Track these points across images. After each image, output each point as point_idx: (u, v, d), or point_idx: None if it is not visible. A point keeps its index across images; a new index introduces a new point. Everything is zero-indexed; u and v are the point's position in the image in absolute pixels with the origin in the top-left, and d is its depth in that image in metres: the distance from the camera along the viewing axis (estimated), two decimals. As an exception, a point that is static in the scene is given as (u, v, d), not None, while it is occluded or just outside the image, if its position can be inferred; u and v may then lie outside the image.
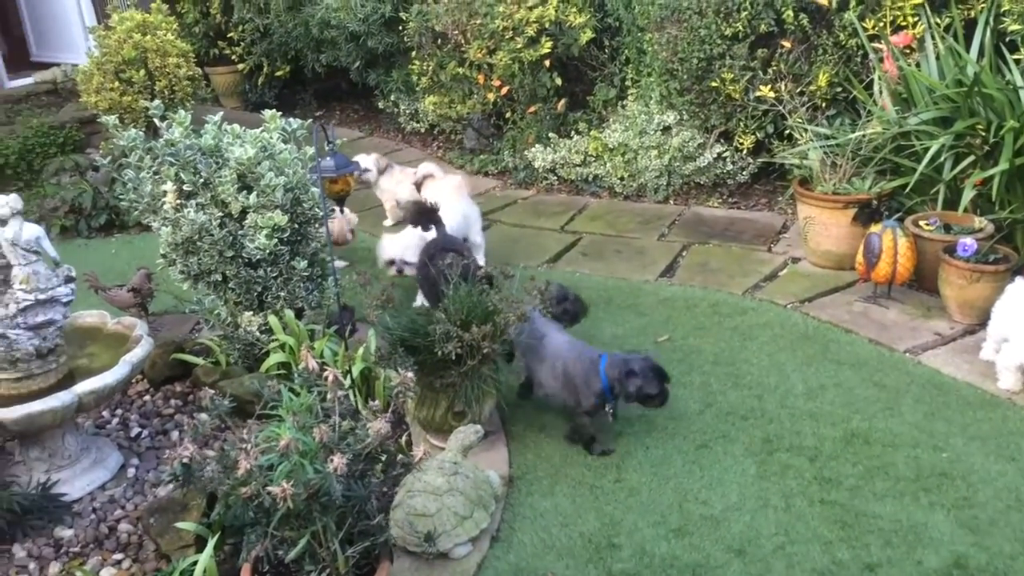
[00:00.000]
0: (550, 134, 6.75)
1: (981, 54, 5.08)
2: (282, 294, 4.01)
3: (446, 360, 3.32)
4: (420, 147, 8.11)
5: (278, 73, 9.23)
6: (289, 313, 4.03)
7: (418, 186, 5.79)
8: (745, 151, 6.09)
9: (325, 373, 2.46)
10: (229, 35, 9.26)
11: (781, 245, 5.54)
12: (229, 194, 3.83)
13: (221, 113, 4.08)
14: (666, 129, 6.29)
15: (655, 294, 4.98)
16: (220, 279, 3.95)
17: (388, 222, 6.23)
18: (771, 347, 4.33)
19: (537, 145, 6.75)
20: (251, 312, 4.00)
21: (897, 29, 5.40)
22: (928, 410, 3.73)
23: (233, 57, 9.39)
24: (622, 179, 6.44)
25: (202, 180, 3.85)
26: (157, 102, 3.92)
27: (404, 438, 3.67)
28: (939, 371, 4.02)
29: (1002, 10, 4.96)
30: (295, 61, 8.99)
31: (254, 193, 3.84)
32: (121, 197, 3.94)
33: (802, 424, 3.69)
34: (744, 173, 6.26)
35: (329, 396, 2.57)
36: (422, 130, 7.95)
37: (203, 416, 2.60)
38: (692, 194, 6.38)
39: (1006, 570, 2.86)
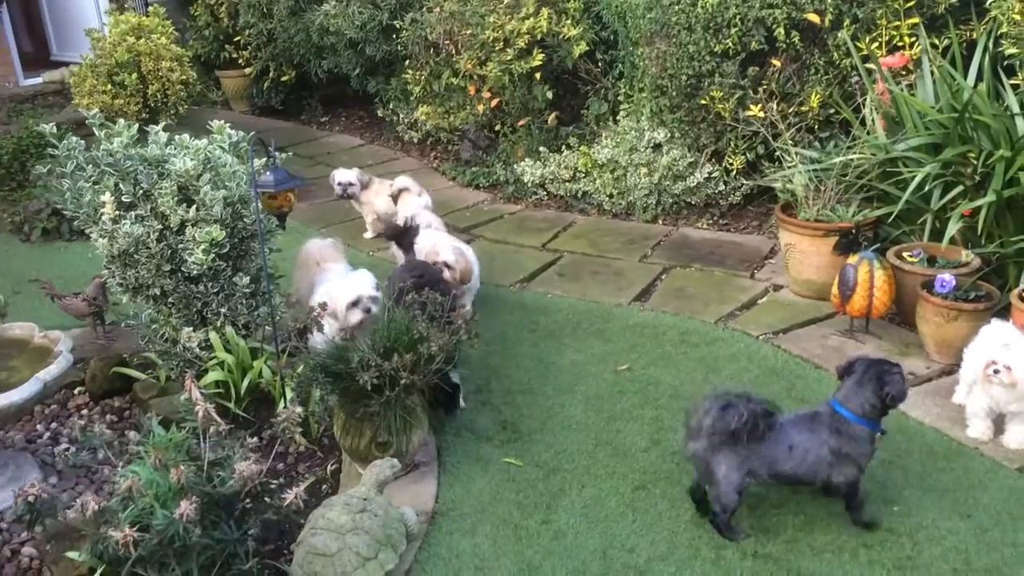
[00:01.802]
0: (540, 148, 6.59)
1: (980, 78, 4.82)
2: (223, 310, 3.90)
3: (368, 389, 3.18)
4: (418, 157, 8.01)
5: (284, 78, 9.18)
6: (230, 330, 3.91)
7: (394, 199, 5.68)
8: (735, 172, 5.87)
9: (196, 408, 2.32)
10: (236, 39, 9.24)
11: (765, 271, 5.32)
12: (169, 207, 3.73)
13: (163, 124, 3.98)
14: (656, 147, 6.10)
15: (625, 319, 4.79)
16: (159, 293, 3.85)
17: (368, 235, 6.12)
18: (735, 382, 4.11)
19: (527, 159, 6.60)
20: (191, 328, 3.89)
21: (894, 49, 5.17)
22: (887, 458, 3.50)
23: (240, 61, 9.38)
24: (611, 196, 6.26)
25: (142, 191, 3.76)
26: (96, 111, 3.84)
27: (332, 466, 3.55)
28: (907, 414, 3.78)
29: (1000, 32, 4.69)
30: (300, 67, 8.94)
31: (193, 206, 3.74)
32: (59, 206, 3.86)
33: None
34: (737, 194, 6.04)
35: (212, 430, 2.44)
36: (417, 139, 7.83)
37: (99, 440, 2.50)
38: (683, 214, 6.18)
39: (940, 643, 2.65)
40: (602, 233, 6.02)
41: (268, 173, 3.65)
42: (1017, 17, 4.49)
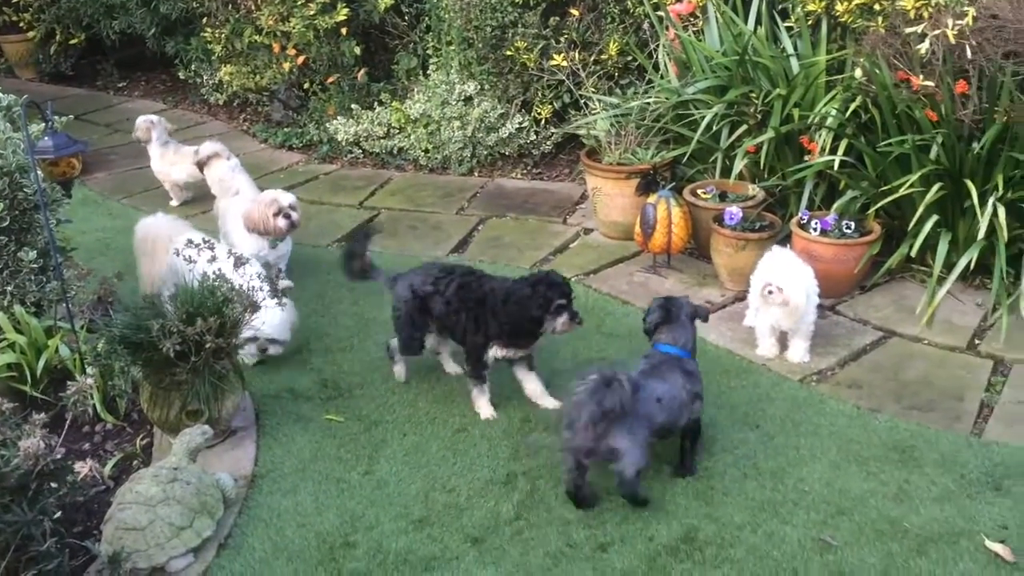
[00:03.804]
0: (353, 105, 6.49)
1: (759, 22, 5.15)
2: (8, 288, 3.65)
3: (172, 356, 3.08)
4: (226, 120, 7.69)
5: (73, 41, 8.55)
6: (19, 309, 3.67)
7: (200, 166, 5.39)
8: (544, 121, 6.02)
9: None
10: (15, 0, 8.50)
11: (577, 216, 5.51)
12: (-65, 181, 3.44)
13: (-79, 92, 3.66)
14: (468, 99, 6.13)
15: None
16: (-68, 275, 3.57)
17: (174, 202, 5.84)
18: (548, 322, 4.27)
19: (339, 117, 6.48)
20: (-26, 310, 3.63)
21: (682, -4, 5.42)
22: (687, 380, 3.76)
23: (22, 24, 8.64)
24: (426, 151, 6.27)
25: (-97, 166, 3.45)
26: None
27: (143, 441, 3.43)
28: (704, 339, 4.04)
29: (773, -22, 5.02)
30: (90, 28, 8.34)
31: (-36, 179, 3.47)
32: None
33: (564, 402, 3.65)
34: (548, 143, 6.19)
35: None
36: (223, 102, 7.51)
37: None
38: (497, 166, 6.28)
39: (732, 540, 2.89)
40: (419, 188, 6.03)
41: (46, 138, 3.44)
42: (786, -36, 4.82)
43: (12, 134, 3.60)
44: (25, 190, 3.60)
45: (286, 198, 4.44)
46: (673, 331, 3.25)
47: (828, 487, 3.12)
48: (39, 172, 3.38)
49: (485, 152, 6.19)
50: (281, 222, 4.35)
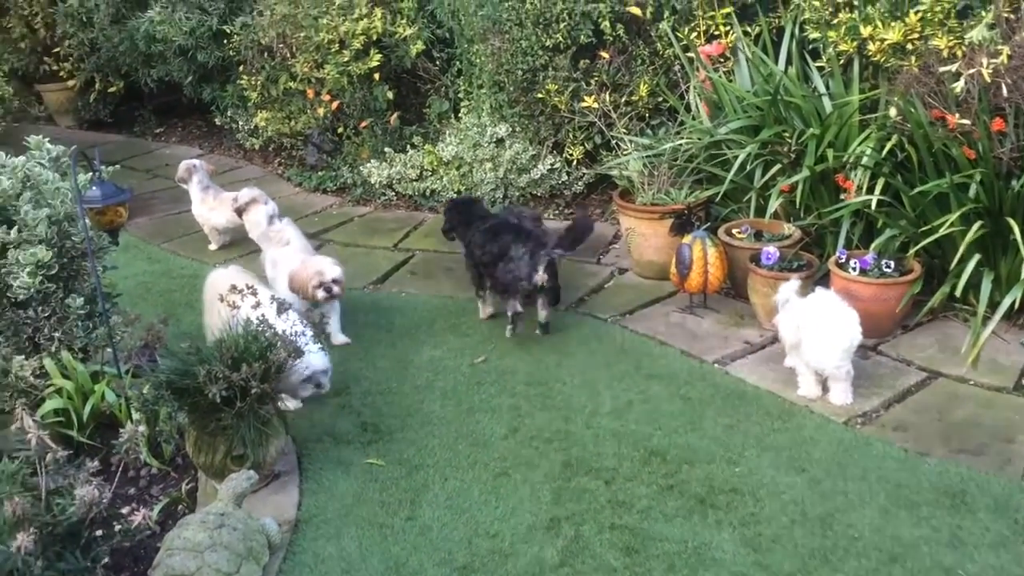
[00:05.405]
0: (386, 149, 6.58)
1: (789, 62, 5.18)
2: (56, 335, 3.71)
3: (217, 402, 3.11)
4: (261, 164, 7.81)
5: (111, 89, 8.76)
6: (66, 355, 3.73)
7: (239, 212, 5.46)
8: (576, 162, 6.07)
9: (28, 436, 2.22)
10: (56, 50, 8.73)
11: (611, 256, 5.53)
12: (-13, 230, 3.52)
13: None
14: (499, 141, 6.20)
15: (478, 312, 4.87)
16: (-17, 322, 3.63)
17: (212, 246, 5.92)
18: (586, 364, 4.27)
19: (373, 160, 6.57)
20: (23, 356, 3.68)
21: (711, 38, 5.47)
22: (728, 423, 3.73)
23: (62, 73, 8.87)
24: (459, 193, 6.32)
25: (-44, 216, 3.53)
26: None
27: (187, 485, 3.44)
28: (744, 380, 4.04)
29: (804, 18, 5.05)
30: (128, 76, 8.55)
31: (15, 228, 3.54)
32: None
33: (604, 445, 3.63)
34: (579, 184, 6.22)
35: (49, 458, 2.34)
36: (259, 146, 7.63)
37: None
38: (529, 206, 6.30)
39: (782, 588, 2.85)
40: (452, 230, 6.07)
41: (94, 188, 3.51)
42: (817, 4, 4.85)
43: (60, 183, 3.68)
44: (73, 238, 3.67)
45: (331, 272, 4.39)
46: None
47: (879, 533, 3.07)
48: (87, 220, 3.44)
49: (517, 193, 6.23)
50: (320, 293, 4.34)
